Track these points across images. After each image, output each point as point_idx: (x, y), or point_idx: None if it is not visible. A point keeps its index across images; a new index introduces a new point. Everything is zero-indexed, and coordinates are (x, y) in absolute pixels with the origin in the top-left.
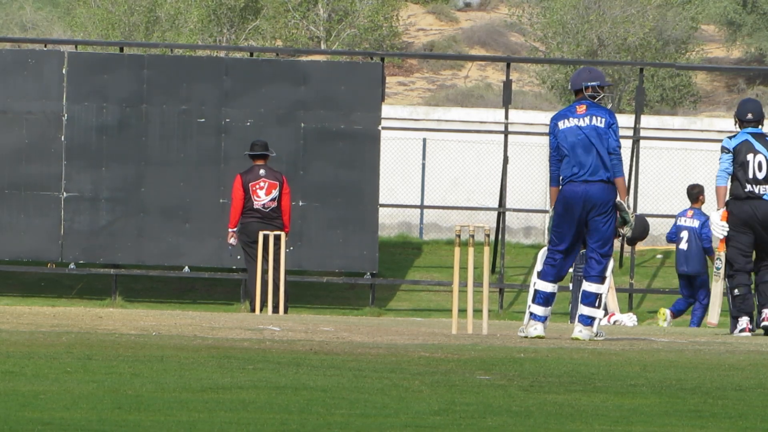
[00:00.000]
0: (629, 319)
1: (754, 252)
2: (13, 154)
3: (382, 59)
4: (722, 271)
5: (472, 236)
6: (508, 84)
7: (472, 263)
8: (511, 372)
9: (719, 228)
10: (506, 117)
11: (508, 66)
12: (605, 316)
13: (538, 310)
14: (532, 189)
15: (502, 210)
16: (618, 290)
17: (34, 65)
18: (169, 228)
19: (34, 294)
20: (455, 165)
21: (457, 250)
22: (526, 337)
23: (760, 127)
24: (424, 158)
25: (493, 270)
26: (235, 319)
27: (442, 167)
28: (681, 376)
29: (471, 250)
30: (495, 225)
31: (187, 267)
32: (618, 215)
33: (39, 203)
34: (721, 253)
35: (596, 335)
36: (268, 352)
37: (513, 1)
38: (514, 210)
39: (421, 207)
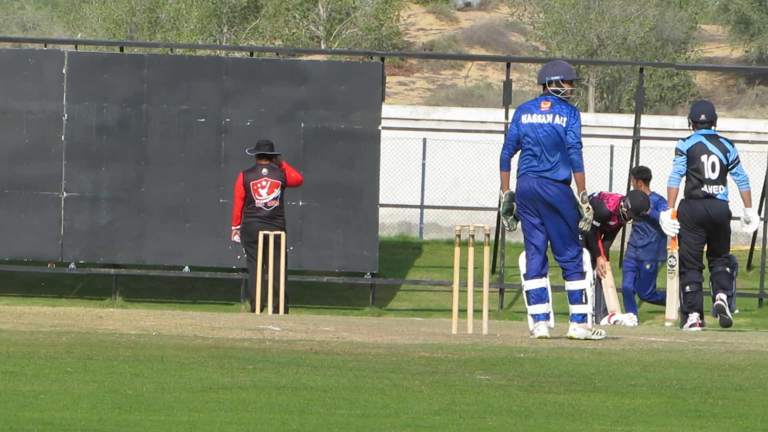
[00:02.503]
0: (629, 319)
1: (705, 248)
2: (13, 154)
3: (382, 59)
4: (676, 268)
5: (472, 236)
6: (508, 84)
7: (473, 263)
8: (511, 372)
9: (671, 227)
10: (506, 117)
11: (508, 66)
12: (606, 315)
13: (536, 309)
14: None
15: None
16: (619, 290)
17: (34, 65)
18: (169, 228)
19: (35, 294)
20: (455, 165)
21: (457, 250)
22: (540, 337)
23: (713, 128)
24: (424, 158)
25: (493, 270)
26: (235, 319)
27: (442, 167)
28: (681, 376)
29: (471, 249)
30: (495, 225)
31: (187, 267)
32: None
33: (39, 203)
34: (674, 250)
35: (593, 333)
36: (269, 352)
37: (513, 1)
38: None
39: (421, 207)
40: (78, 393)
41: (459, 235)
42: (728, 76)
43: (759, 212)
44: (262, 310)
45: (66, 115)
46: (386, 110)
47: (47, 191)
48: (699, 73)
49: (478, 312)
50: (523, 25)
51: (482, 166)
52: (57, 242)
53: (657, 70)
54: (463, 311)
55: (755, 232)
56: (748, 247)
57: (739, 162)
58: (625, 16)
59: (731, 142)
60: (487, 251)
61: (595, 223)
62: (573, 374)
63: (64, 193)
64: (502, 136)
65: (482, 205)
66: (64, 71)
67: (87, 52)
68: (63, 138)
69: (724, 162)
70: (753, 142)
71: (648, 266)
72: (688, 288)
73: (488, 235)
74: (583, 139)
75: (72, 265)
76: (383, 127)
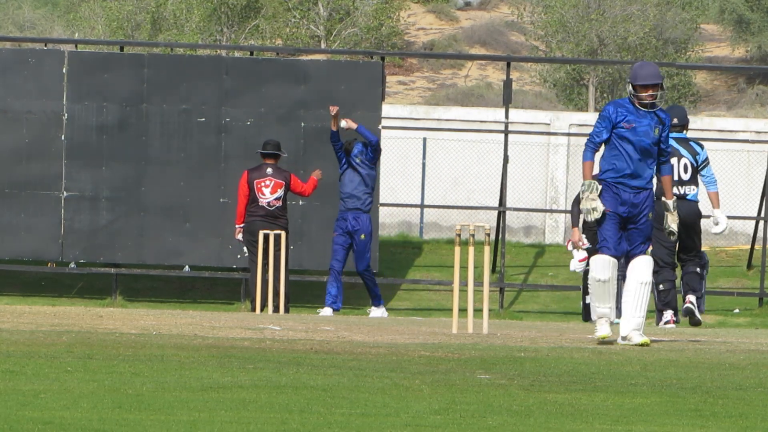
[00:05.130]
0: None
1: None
2: (14, 153)
3: (383, 58)
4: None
5: (473, 235)
6: (508, 83)
7: (473, 262)
8: (512, 371)
9: None
10: (506, 116)
11: (509, 65)
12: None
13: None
14: (533, 188)
15: (502, 209)
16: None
17: (35, 64)
18: (169, 227)
19: (35, 293)
20: (455, 164)
21: (457, 249)
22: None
23: (684, 132)
24: (424, 157)
25: (493, 269)
26: (235, 318)
27: (442, 166)
28: (681, 375)
29: (471, 249)
30: (495, 224)
31: (187, 266)
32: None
33: (39, 202)
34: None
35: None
36: (269, 351)
37: (513, 1)
38: (515, 209)
39: (422, 206)
40: (78, 392)
41: (459, 235)
42: (728, 75)
43: (759, 212)
44: (262, 310)
45: (66, 114)
46: (386, 110)
47: (47, 191)
48: (699, 72)
49: (478, 311)
50: (523, 24)
51: (482, 165)
52: (57, 242)
53: None
54: (463, 311)
55: (755, 232)
56: (748, 247)
57: (708, 163)
58: (626, 17)
59: (701, 145)
60: (487, 251)
61: None
62: (573, 373)
63: (65, 192)
64: (502, 135)
65: (482, 205)
66: (64, 71)
67: (87, 51)
68: (63, 137)
69: (695, 164)
70: (753, 142)
71: (362, 236)
72: (661, 286)
73: (488, 235)
74: (583, 139)
75: (72, 265)
76: (383, 127)
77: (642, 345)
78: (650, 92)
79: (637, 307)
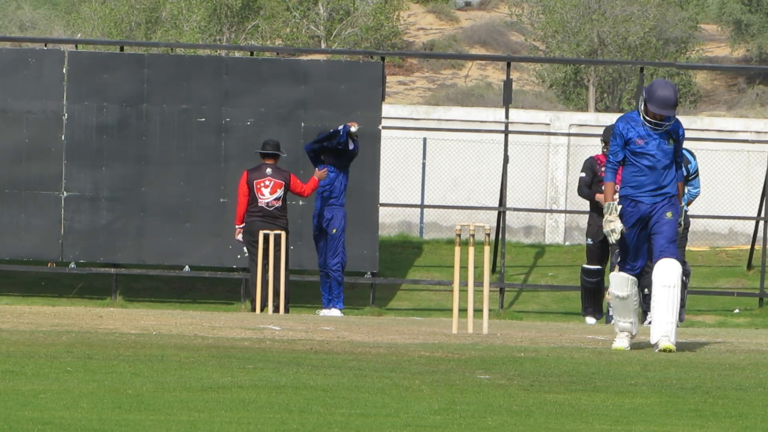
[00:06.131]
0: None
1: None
2: (14, 153)
3: (383, 58)
4: None
5: (473, 235)
6: (508, 83)
7: (473, 262)
8: (512, 371)
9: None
10: (506, 116)
11: (509, 65)
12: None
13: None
14: (533, 188)
15: (502, 209)
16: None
17: (35, 64)
18: (169, 227)
19: (35, 293)
20: (455, 164)
21: (457, 249)
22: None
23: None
24: (424, 158)
25: (493, 269)
26: (235, 318)
27: (442, 167)
28: (681, 375)
29: (471, 249)
30: (495, 224)
31: (187, 266)
32: None
33: (39, 202)
34: None
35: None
36: (269, 351)
37: (513, 1)
38: (515, 209)
39: (422, 206)
40: (78, 392)
41: (459, 235)
42: (728, 75)
43: (759, 212)
44: (262, 310)
45: (66, 114)
46: (386, 110)
47: (47, 191)
48: (699, 72)
49: (478, 311)
50: (522, 24)
51: (482, 165)
52: (57, 242)
53: (658, 70)
54: (463, 311)
55: (755, 232)
56: (748, 247)
57: (697, 175)
58: (626, 17)
59: (693, 155)
60: (487, 251)
61: None
62: (573, 374)
63: (64, 192)
64: (502, 135)
65: (482, 205)
66: (64, 71)
67: (87, 51)
68: (63, 137)
69: (684, 173)
70: (753, 142)
71: (334, 230)
72: (646, 290)
73: (488, 235)
74: (583, 139)
75: (72, 265)
76: (383, 127)
77: (664, 350)
78: (659, 120)
79: (666, 311)
